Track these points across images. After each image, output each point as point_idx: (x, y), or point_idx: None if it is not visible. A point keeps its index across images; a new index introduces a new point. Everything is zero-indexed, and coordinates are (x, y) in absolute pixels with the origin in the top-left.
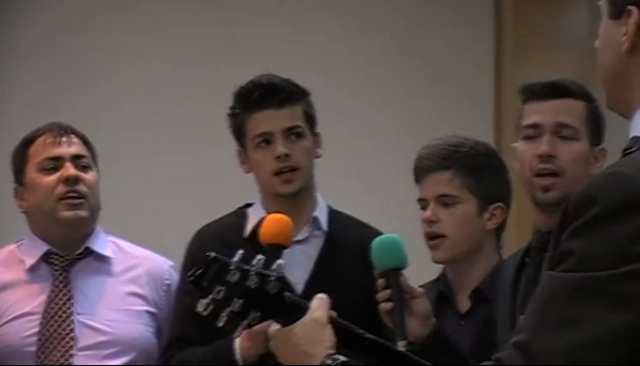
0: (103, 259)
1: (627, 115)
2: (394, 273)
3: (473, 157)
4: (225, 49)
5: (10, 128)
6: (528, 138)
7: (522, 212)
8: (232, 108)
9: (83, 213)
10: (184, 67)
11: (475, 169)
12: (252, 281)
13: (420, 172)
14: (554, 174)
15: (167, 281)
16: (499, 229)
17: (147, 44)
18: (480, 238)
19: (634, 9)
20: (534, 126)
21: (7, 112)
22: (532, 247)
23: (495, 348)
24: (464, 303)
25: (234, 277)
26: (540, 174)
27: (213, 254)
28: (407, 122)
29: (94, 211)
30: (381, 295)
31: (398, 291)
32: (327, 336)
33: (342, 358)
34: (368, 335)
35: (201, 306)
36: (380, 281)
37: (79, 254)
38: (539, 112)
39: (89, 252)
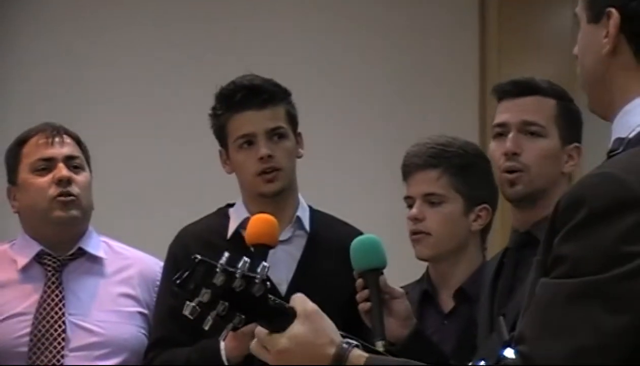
0: (95, 259)
1: (608, 117)
2: (372, 273)
3: (461, 157)
4: (210, 49)
5: (5, 128)
6: (497, 136)
7: (507, 213)
8: (214, 109)
9: (75, 213)
10: (174, 68)
11: (463, 169)
12: (238, 284)
13: (408, 170)
14: (517, 169)
15: (159, 282)
16: (484, 231)
17: (137, 47)
18: (464, 238)
19: (613, 10)
20: (502, 125)
21: (3, 112)
22: (509, 248)
23: (476, 348)
24: (447, 303)
25: (219, 280)
26: (507, 171)
27: (199, 257)
28: (393, 123)
29: (87, 212)
30: (360, 295)
31: (376, 291)
32: (327, 323)
33: (353, 341)
34: (344, 335)
35: (187, 309)
36: (359, 282)
37: (71, 254)
38: (507, 111)
39: (82, 252)
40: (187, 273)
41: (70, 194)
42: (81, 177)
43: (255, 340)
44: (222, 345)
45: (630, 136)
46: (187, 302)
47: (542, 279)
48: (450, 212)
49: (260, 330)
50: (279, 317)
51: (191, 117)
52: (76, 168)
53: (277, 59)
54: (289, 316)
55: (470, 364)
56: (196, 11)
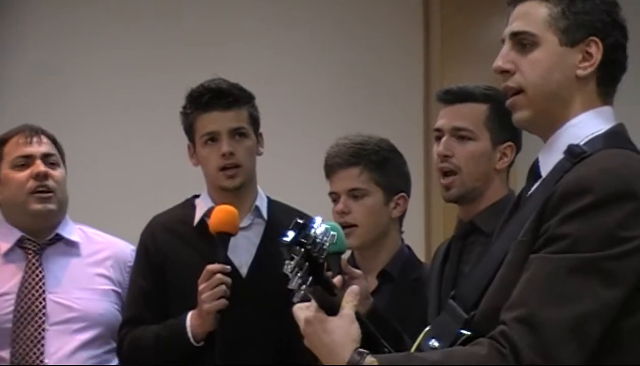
0: (72, 244)
1: (546, 128)
2: (334, 257)
3: (377, 154)
4: (184, 59)
5: None
6: (436, 139)
7: (448, 207)
8: (184, 108)
9: (51, 206)
10: (151, 73)
11: (380, 165)
12: (321, 252)
13: (331, 169)
14: (452, 171)
15: (130, 264)
16: (401, 216)
17: (115, 47)
18: (386, 225)
19: (597, 40)
20: (438, 129)
21: None
22: (454, 236)
23: (403, 320)
24: (371, 283)
25: (311, 245)
26: (443, 173)
27: (301, 220)
28: (344, 126)
29: (62, 204)
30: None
31: (338, 272)
32: (356, 331)
33: (365, 352)
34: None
35: (289, 267)
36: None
37: (49, 240)
38: (442, 117)
39: (59, 238)
40: (293, 234)
41: (47, 188)
42: (57, 173)
43: (303, 305)
44: (188, 322)
45: (582, 142)
46: (288, 261)
47: (538, 254)
48: (372, 203)
49: (312, 303)
50: (327, 291)
51: (166, 116)
52: (52, 165)
53: (242, 66)
54: (334, 297)
55: (419, 340)
56: (178, 31)
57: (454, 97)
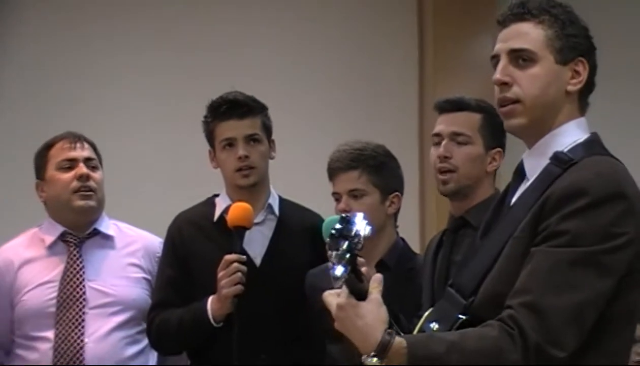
0: (108, 237)
1: (536, 135)
2: None
3: (375, 159)
4: (206, 71)
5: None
6: (435, 144)
7: (441, 203)
8: (205, 117)
9: (92, 203)
10: (178, 85)
11: (377, 168)
12: (359, 244)
13: (334, 172)
14: (450, 170)
15: (158, 254)
16: (396, 213)
17: (146, 56)
18: (383, 221)
19: (584, 61)
20: (437, 134)
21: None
22: (447, 229)
23: (398, 305)
24: (369, 273)
25: (353, 239)
26: (440, 171)
27: (345, 215)
28: (346, 133)
29: (101, 202)
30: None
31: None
32: (384, 314)
33: (393, 332)
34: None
35: (334, 258)
36: (327, 245)
37: (88, 234)
38: (441, 123)
39: (97, 232)
40: (340, 228)
41: (89, 188)
42: (97, 175)
43: (333, 292)
44: (208, 306)
45: (566, 150)
46: (333, 251)
47: (540, 248)
48: (371, 203)
49: (343, 290)
50: (357, 279)
51: (191, 124)
52: (93, 168)
53: (255, 81)
54: (362, 284)
55: (421, 323)
56: (201, 41)
57: (452, 106)
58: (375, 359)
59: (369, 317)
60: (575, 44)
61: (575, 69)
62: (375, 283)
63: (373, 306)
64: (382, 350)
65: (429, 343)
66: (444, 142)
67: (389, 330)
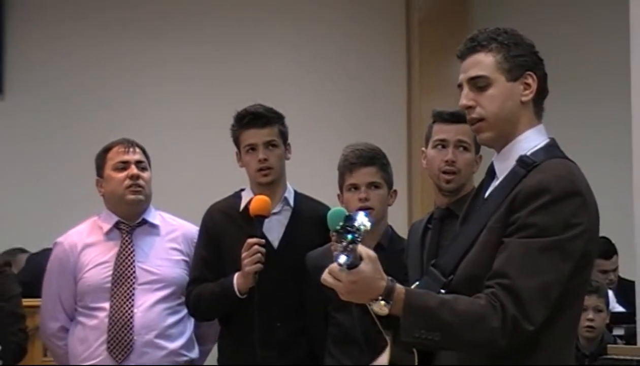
0: (154, 226)
1: (502, 144)
2: None
3: (385, 159)
4: (233, 84)
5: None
6: (441, 148)
7: (426, 193)
8: (232, 126)
9: (141, 197)
10: (215, 99)
11: (387, 167)
12: (360, 236)
13: (354, 166)
14: (453, 172)
15: (195, 240)
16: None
17: (186, 74)
18: (386, 211)
19: (532, 74)
20: (442, 140)
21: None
22: (434, 218)
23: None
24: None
25: (355, 233)
26: (446, 173)
27: (348, 213)
28: (347, 140)
29: (148, 197)
30: (334, 247)
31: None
32: (379, 265)
33: (395, 280)
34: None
35: (339, 248)
36: (334, 238)
37: (138, 223)
38: (446, 132)
39: (145, 221)
40: (346, 225)
41: (138, 185)
42: (145, 175)
43: (327, 273)
44: (234, 281)
45: (529, 153)
46: (339, 244)
47: (512, 239)
48: (383, 194)
49: (334, 266)
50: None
51: (223, 130)
52: (142, 169)
53: (273, 93)
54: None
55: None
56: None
57: (456, 118)
58: (382, 303)
59: (368, 271)
60: (521, 62)
61: (525, 82)
62: (362, 248)
63: (368, 263)
64: (389, 294)
65: (425, 296)
66: (450, 149)
67: (391, 278)
